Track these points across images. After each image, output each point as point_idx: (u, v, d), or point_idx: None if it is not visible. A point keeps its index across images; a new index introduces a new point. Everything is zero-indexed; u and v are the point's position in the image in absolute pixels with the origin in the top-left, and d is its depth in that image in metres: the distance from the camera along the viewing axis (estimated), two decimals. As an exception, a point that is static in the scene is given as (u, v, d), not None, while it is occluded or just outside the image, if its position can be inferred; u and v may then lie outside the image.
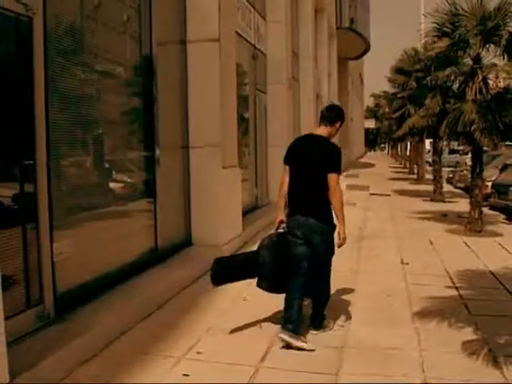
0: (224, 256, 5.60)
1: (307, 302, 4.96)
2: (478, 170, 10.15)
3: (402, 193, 18.21)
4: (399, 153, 47.30)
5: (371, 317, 5.30)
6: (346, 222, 4.66)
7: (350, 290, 6.15)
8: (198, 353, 4.35)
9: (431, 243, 9.11)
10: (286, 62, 12.96)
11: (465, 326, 4.98)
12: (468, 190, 11.67)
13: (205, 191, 7.45)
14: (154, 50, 6.41)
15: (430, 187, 16.98)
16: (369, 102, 79.14)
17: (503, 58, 9.56)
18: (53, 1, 4.36)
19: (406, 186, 21.45)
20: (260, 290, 4.89)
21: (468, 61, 9.67)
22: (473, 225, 10.16)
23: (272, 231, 4.97)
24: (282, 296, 4.69)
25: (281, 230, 4.78)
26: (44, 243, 4.28)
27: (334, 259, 4.88)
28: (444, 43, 9.39)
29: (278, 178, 12.88)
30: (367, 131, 71.05)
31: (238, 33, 9.48)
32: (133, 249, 6.12)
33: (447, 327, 4.95)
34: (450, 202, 15.60)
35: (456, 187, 19.71)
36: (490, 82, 9.48)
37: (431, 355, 4.31)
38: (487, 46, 9.58)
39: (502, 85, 9.36)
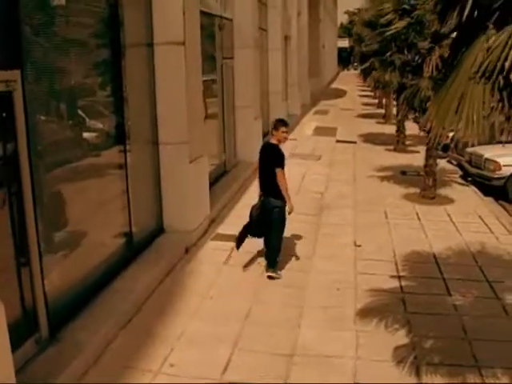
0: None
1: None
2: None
3: (367, 139, 18.90)
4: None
5: (320, 317, 6.14)
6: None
7: (305, 282, 7.01)
8: (171, 365, 5.16)
9: (386, 216, 9.93)
10: (253, 23, 13.14)
11: (399, 327, 5.84)
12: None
13: (174, 183, 8.05)
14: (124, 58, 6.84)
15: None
16: (343, 18, 78.08)
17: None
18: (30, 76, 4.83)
19: (373, 126, 22.14)
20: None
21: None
22: (427, 191, 10.99)
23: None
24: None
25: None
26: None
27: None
28: (401, 24, 9.79)
29: (246, 138, 13.49)
30: (340, 50, 70.39)
31: (203, 11, 9.70)
32: (111, 239, 6.89)
33: (384, 329, 5.81)
34: (412, 151, 16.35)
35: (421, 128, 20.29)
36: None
37: (365, 364, 5.17)
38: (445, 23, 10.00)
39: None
